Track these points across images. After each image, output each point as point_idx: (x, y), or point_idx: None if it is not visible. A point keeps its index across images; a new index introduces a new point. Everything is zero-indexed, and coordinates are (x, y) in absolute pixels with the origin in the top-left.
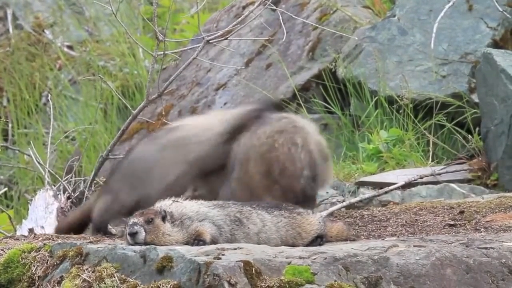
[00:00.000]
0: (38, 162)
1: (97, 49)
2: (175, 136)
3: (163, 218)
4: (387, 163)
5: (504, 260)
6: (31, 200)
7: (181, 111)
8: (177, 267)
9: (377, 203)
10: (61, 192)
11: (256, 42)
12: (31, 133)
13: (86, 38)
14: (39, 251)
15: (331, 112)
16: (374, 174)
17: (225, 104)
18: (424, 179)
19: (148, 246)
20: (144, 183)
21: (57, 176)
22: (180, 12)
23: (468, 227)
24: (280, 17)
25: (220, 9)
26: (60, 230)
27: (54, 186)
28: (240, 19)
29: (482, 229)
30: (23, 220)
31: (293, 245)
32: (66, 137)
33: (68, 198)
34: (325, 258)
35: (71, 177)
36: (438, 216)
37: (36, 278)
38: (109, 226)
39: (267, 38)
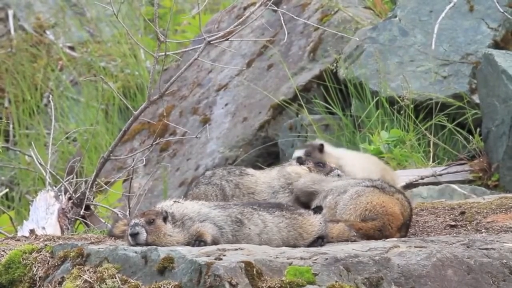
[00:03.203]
0: (39, 163)
1: (99, 50)
2: None
3: (164, 219)
4: (388, 164)
5: (505, 261)
6: (32, 201)
7: (182, 111)
8: (178, 267)
9: None
10: (62, 193)
11: (257, 43)
12: (32, 134)
13: (87, 39)
14: (40, 252)
15: (332, 113)
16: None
17: (226, 105)
18: (425, 180)
19: (149, 247)
20: None
21: (58, 177)
22: (181, 13)
23: (469, 227)
24: (281, 18)
25: (221, 10)
26: None
27: (55, 187)
28: (241, 20)
29: (483, 230)
30: (24, 221)
31: (294, 245)
32: (67, 138)
33: (69, 199)
34: (326, 259)
35: (72, 178)
36: (439, 216)
37: (37, 279)
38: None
39: (268, 39)
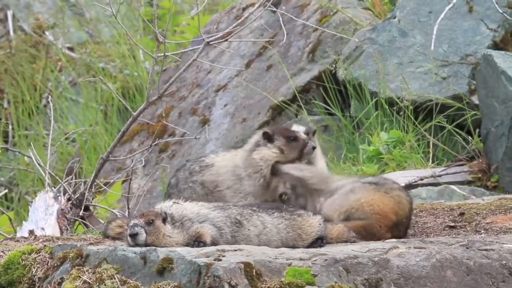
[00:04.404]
0: (39, 164)
1: (98, 51)
2: None
3: (164, 220)
4: (388, 165)
5: (504, 262)
6: (32, 201)
7: (181, 112)
8: (177, 268)
9: None
10: (62, 193)
11: (257, 44)
12: (31, 135)
13: (86, 40)
14: (39, 252)
15: (331, 114)
16: (374, 175)
17: (225, 105)
18: (425, 181)
19: (148, 248)
20: None
21: (57, 177)
22: (180, 14)
23: (468, 228)
24: (281, 19)
25: (220, 11)
26: None
27: (55, 187)
28: (240, 20)
29: (482, 231)
30: (24, 222)
31: (293, 246)
32: (67, 138)
33: (69, 199)
34: (326, 260)
35: (72, 179)
36: (439, 217)
37: (37, 280)
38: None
39: (267, 39)
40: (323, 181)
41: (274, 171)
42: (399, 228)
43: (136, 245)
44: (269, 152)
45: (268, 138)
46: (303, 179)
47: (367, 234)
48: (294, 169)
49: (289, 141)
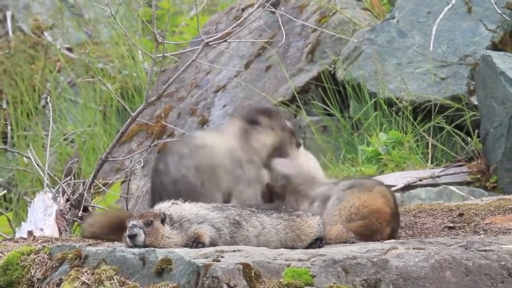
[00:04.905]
0: (37, 165)
1: (97, 51)
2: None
3: (163, 221)
4: (386, 166)
5: (503, 263)
6: (30, 202)
7: (180, 113)
8: (176, 269)
9: None
10: (60, 194)
11: (256, 44)
12: (30, 136)
13: (85, 40)
14: (38, 253)
15: (330, 114)
16: (373, 176)
17: (224, 106)
18: (423, 182)
19: (147, 249)
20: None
21: (56, 178)
22: (179, 14)
23: (467, 229)
24: (280, 19)
25: (220, 11)
26: None
27: (53, 188)
28: (239, 21)
29: (481, 232)
30: (22, 223)
31: (292, 247)
32: (65, 139)
33: (67, 200)
34: (324, 261)
35: (70, 180)
36: (437, 218)
37: (35, 281)
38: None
39: (266, 40)
40: (308, 183)
41: (268, 164)
42: (395, 218)
43: (135, 246)
44: (265, 138)
45: (252, 122)
46: (289, 177)
47: (369, 232)
48: (281, 166)
49: (272, 117)
